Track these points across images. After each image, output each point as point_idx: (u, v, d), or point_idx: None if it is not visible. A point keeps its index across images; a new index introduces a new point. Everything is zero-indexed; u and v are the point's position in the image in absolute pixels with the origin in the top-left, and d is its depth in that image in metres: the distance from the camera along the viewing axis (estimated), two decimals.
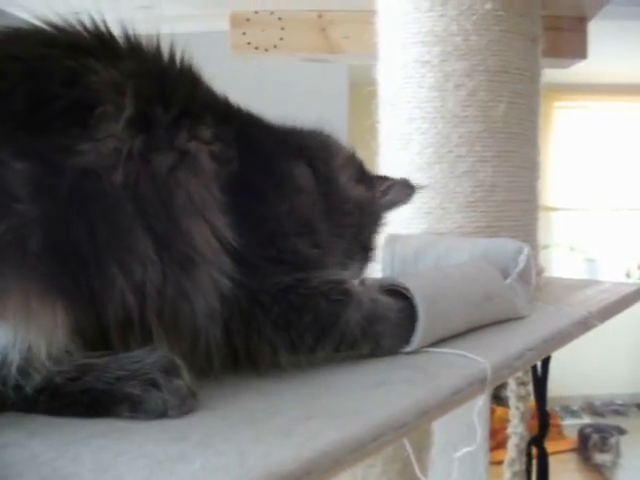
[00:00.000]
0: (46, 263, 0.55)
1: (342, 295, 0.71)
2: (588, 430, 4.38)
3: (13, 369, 0.54)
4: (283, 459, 0.47)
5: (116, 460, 0.47)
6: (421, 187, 0.95)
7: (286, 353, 0.68)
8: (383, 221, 0.93)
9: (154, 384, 0.55)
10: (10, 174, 0.54)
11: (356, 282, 0.80)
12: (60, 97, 0.58)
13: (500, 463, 1.53)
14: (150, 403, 0.54)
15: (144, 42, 0.69)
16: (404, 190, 0.94)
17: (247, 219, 0.68)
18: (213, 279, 0.63)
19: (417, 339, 0.74)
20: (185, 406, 0.55)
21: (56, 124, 0.57)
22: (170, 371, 0.56)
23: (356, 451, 0.51)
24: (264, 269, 0.68)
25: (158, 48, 0.70)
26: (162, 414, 0.54)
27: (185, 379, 0.57)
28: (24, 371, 0.55)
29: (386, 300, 0.75)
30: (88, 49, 0.63)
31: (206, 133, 0.67)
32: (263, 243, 0.69)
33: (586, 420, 4.82)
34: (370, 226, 0.90)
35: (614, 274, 5.05)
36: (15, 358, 0.54)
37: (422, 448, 1.16)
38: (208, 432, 0.52)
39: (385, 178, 0.94)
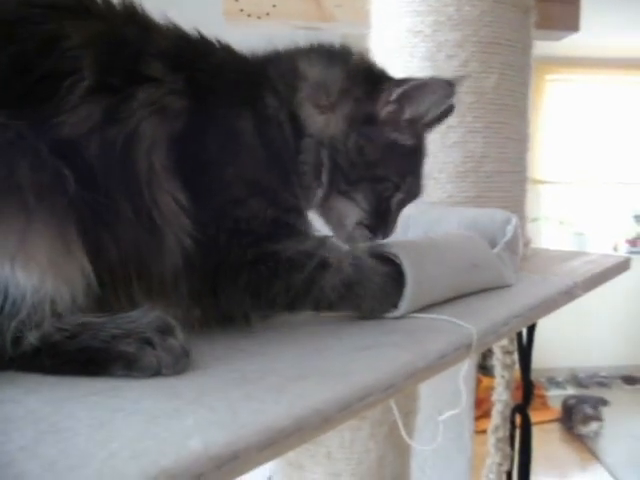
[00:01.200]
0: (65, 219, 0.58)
1: (316, 266, 0.72)
2: (572, 401, 4.44)
3: (15, 322, 0.55)
4: (275, 416, 0.49)
5: (112, 416, 0.48)
6: (459, 81, 0.82)
7: (257, 315, 0.72)
8: (402, 137, 0.82)
9: (149, 342, 0.56)
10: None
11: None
12: (37, 66, 0.61)
13: (485, 432, 1.55)
14: (144, 361, 0.56)
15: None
16: (435, 92, 0.81)
17: (199, 187, 0.69)
18: (178, 239, 0.66)
19: (405, 304, 0.76)
20: (179, 364, 0.57)
21: (35, 93, 0.60)
22: (165, 330, 0.58)
23: (345, 410, 0.53)
24: (224, 241, 0.70)
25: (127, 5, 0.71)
26: (156, 372, 0.56)
27: (179, 338, 0.58)
28: (27, 324, 0.56)
29: (371, 263, 0.76)
30: (66, 8, 0.66)
31: (156, 94, 0.67)
32: (218, 213, 0.70)
33: (570, 391, 4.88)
34: (368, 154, 0.80)
35: (602, 248, 5.08)
36: (28, 305, 0.55)
37: (409, 412, 1.19)
38: (201, 390, 0.53)
39: (402, 82, 0.81)
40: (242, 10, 1.81)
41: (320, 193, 0.81)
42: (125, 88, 0.65)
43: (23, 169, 0.56)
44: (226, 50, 0.80)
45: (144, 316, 0.59)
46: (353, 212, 0.82)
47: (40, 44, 0.62)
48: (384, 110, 0.81)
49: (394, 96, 0.80)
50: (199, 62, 0.74)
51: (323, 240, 0.77)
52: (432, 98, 0.82)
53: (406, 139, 0.83)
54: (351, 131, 0.80)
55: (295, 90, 0.79)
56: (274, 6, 1.81)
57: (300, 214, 0.78)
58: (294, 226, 0.75)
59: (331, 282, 0.72)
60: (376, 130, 0.81)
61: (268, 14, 1.81)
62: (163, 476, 0.40)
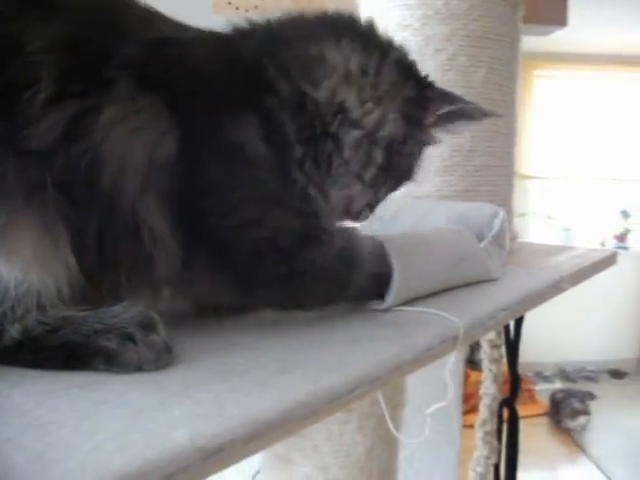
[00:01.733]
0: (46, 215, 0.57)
1: (347, 269, 0.72)
2: (560, 395, 4.47)
3: None
4: (261, 408, 0.49)
5: (96, 408, 0.48)
6: (491, 115, 0.83)
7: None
8: (429, 143, 0.83)
9: (130, 338, 0.56)
10: None
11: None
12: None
13: (473, 426, 1.56)
14: (125, 356, 0.55)
15: None
16: (472, 117, 0.82)
17: (197, 212, 0.65)
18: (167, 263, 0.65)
19: (392, 296, 0.76)
20: (160, 360, 0.56)
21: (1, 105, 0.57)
22: (147, 326, 0.57)
23: (331, 402, 0.53)
24: (246, 263, 0.68)
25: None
26: (137, 368, 0.55)
27: (162, 334, 0.57)
28: (9, 317, 0.56)
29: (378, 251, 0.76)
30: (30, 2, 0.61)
31: (122, 111, 0.61)
32: (230, 238, 0.67)
33: (558, 385, 4.91)
34: (407, 155, 0.80)
35: (590, 243, 5.11)
36: (11, 298, 0.55)
37: (396, 405, 1.19)
38: (187, 383, 0.53)
39: (449, 98, 0.80)
40: (230, 3, 1.80)
41: (354, 190, 0.78)
42: (90, 98, 0.60)
43: (9, 171, 0.55)
44: (213, 43, 0.73)
45: (126, 311, 0.58)
46: (367, 198, 0.81)
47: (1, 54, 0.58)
48: (428, 119, 0.80)
49: (442, 111, 0.79)
50: (179, 67, 0.67)
51: (349, 236, 0.75)
52: (466, 124, 0.82)
53: (428, 145, 0.84)
54: (409, 133, 0.78)
55: (326, 77, 0.73)
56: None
57: (323, 214, 0.73)
58: (319, 228, 0.71)
59: (359, 282, 0.73)
60: (421, 135, 0.81)
61: (256, 7, 1.81)
62: (148, 467, 0.40)
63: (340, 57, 0.74)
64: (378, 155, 0.76)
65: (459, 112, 0.81)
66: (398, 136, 0.77)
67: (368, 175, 0.77)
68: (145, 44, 0.65)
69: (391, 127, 0.76)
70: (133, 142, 0.61)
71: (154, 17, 0.71)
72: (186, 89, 0.66)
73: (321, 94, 0.72)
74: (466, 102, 0.81)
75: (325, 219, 0.73)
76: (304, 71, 0.73)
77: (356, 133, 0.74)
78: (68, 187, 0.59)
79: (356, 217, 0.82)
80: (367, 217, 0.83)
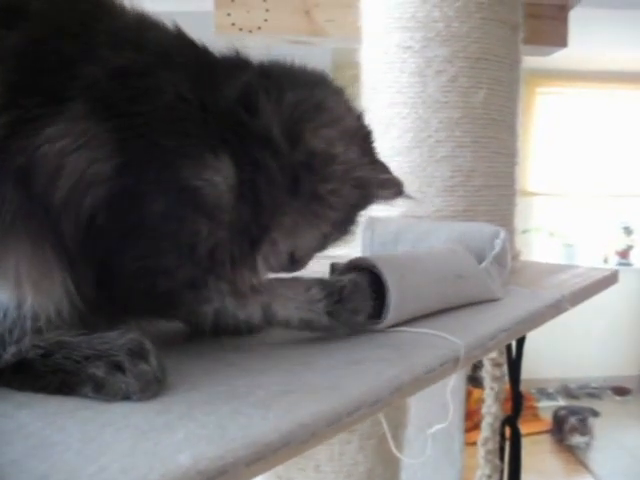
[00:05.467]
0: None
1: None
2: (563, 412, 4.45)
3: None
4: (263, 430, 0.49)
5: (102, 430, 0.49)
6: (407, 197, 0.84)
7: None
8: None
9: (119, 367, 0.55)
10: None
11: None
12: None
13: (476, 444, 1.56)
14: (113, 386, 0.54)
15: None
16: (396, 192, 0.82)
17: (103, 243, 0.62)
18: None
19: (389, 314, 0.76)
20: (148, 391, 0.55)
21: None
22: (137, 354, 0.56)
23: (332, 424, 0.54)
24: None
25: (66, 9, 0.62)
26: (124, 397, 0.54)
27: (152, 364, 0.56)
28: (7, 341, 0.56)
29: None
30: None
31: (68, 129, 0.58)
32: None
33: (561, 402, 4.89)
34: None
35: (592, 259, 5.11)
36: (9, 321, 0.55)
37: (398, 425, 1.19)
38: (191, 405, 0.54)
39: (386, 168, 0.83)
40: (234, 24, 1.82)
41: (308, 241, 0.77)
42: (41, 110, 0.57)
43: None
44: (194, 69, 0.67)
45: (119, 337, 0.57)
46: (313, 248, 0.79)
47: None
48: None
49: (383, 176, 0.81)
50: (144, 102, 0.62)
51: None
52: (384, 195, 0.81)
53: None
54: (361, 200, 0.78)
55: (326, 126, 0.72)
56: (266, 20, 1.82)
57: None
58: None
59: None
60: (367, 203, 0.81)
61: (260, 28, 1.82)
62: None
63: (341, 109, 0.75)
64: (341, 211, 0.75)
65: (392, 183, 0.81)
66: (356, 199, 0.76)
67: (325, 228, 0.76)
68: (113, 69, 0.61)
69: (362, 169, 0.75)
70: (69, 157, 0.58)
71: (137, 27, 0.66)
72: (148, 123, 0.62)
73: (318, 143, 0.70)
74: (395, 178, 0.82)
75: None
76: (303, 115, 0.70)
77: (334, 187, 0.72)
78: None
79: (297, 267, 0.79)
80: (304, 266, 0.80)
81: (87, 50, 0.60)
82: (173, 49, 0.67)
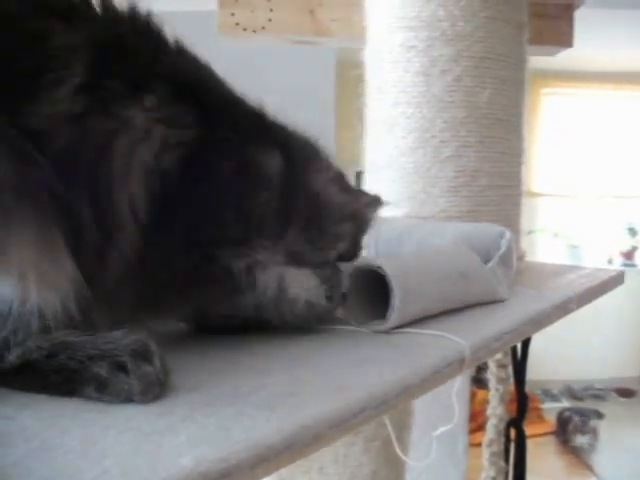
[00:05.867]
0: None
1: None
2: (567, 414, 4.44)
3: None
4: (266, 433, 0.49)
5: (104, 433, 0.48)
6: (386, 204, 0.93)
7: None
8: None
9: (122, 367, 0.54)
10: None
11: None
12: (19, 60, 0.57)
13: (480, 445, 1.55)
14: (116, 386, 0.54)
15: (117, 9, 0.67)
16: (376, 206, 0.91)
17: (193, 205, 0.68)
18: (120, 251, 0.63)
19: (394, 314, 0.76)
20: (150, 393, 0.54)
21: (7, 86, 0.56)
22: (141, 356, 0.55)
23: (337, 426, 0.53)
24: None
25: (130, 15, 0.68)
26: (126, 398, 0.54)
27: (156, 366, 0.55)
28: (11, 340, 0.55)
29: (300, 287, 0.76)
30: (56, 8, 0.61)
31: (155, 105, 0.65)
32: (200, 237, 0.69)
33: (565, 404, 4.88)
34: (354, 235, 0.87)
35: (597, 260, 5.10)
36: (14, 319, 0.54)
37: (403, 427, 1.18)
38: (193, 407, 0.53)
39: (364, 192, 0.92)
40: (238, 24, 1.82)
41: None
42: (117, 99, 0.62)
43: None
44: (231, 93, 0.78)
45: (124, 337, 0.57)
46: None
47: (25, 39, 0.58)
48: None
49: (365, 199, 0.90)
50: (217, 93, 0.74)
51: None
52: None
53: None
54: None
55: (314, 159, 0.84)
56: (270, 20, 1.82)
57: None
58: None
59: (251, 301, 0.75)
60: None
61: (264, 28, 1.82)
62: None
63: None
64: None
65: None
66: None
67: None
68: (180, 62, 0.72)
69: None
70: (140, 144, 0.63)
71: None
72: (221, 114, 0.72)
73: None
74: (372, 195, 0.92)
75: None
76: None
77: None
78: (66, 172, 0.58)
79: None
80: None
81: (157, 45, 0.70)
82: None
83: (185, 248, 0.68)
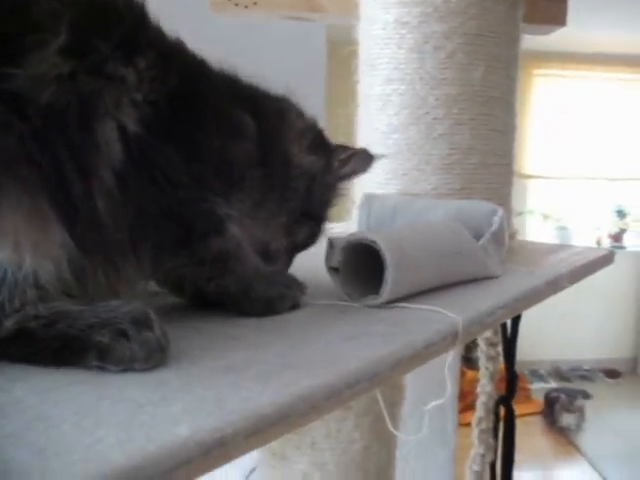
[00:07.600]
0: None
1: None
2: (554, 394, 4.49)
3: None
4: (261, 403, 0.49)
5: (98, 404, 0.48)
6: (379, 156, 0.95)
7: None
8: (340, 191, 0.92)
9: (123, 334, 0.54)
10: None
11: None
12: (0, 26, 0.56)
13: (469, 425, 1.56)
14: (118, 352, 0.54)
15: None
16: (363, 160, 0.93)
17: (170, 139, 0.67)
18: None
19: (387, 288, 0.76)
20: (152, 359, 0.55)
21: None
22: (142, 323, 0.56)
23: (331, 398, 0.53)
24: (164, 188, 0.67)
25: None
26: (129, 365, 0.54)
27: (156, 332, 0.56)
28: (7, 308, 0.55)
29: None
30: None
31: (142, 63, 0.65)
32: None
33: (553, 384, 4.93)
34: (322, 195, 0.89)
35: (585, 242, 5.13)
36: (9, 286, 0.54)
37: (394, 403, 1.19)
38: (188, 379, 0.53)
39: (345, 147, 0.93)
40: None
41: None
42: (109, 60, 0.62)
43: None
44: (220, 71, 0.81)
45: (123, 306, 0.57)
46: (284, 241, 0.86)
47: (6, 6, 0.57)
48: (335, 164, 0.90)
49: (342, 156, 0.91)
50: (192, 60, 0.76)
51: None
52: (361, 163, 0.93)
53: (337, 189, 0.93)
54: (323, 178, 0.89)
55: (285, 125, 0.85)
56: None
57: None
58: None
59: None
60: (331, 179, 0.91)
61: (255, 3, 1.80)
62: (149, 461, 0.40)
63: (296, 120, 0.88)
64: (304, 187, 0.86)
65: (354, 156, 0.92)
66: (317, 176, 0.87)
67: (291, 215, 0.84)
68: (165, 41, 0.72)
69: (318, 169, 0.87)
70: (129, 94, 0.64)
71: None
72: (199, 78, 0.75)
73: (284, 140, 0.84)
74: (355, 149, 0.94)
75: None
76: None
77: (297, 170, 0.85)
78: (50, 134, 0.57)
79: (273, 260, 0.84)
80: (284, 263, 0.87)
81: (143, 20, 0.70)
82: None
83: (168, 193, 0.67)
